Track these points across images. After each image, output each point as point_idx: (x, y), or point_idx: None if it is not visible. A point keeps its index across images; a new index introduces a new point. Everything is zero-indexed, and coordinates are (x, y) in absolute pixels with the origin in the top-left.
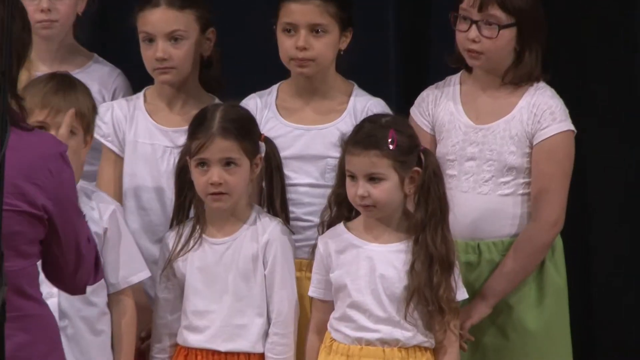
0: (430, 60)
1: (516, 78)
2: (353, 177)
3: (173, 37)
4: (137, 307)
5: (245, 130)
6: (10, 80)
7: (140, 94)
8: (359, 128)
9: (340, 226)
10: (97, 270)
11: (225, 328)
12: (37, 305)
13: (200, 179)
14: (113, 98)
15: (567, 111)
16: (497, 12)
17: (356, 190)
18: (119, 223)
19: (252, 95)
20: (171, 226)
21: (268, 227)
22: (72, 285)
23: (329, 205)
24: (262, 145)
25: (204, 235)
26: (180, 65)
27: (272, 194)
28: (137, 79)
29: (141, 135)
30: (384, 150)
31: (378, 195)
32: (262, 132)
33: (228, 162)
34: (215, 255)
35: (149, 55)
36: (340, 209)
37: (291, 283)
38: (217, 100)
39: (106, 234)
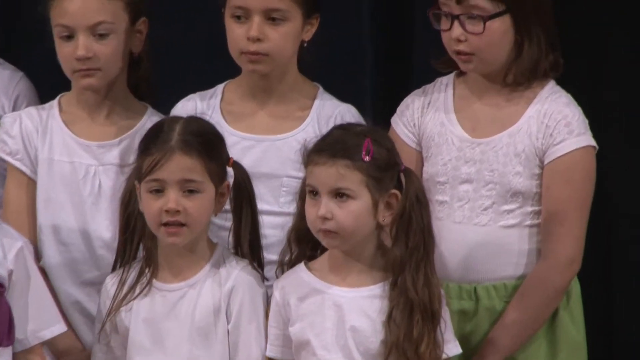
0: (414, 56)
1: (519, 76)
2: (315, 193)
3: (97, 32)
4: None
5: (212, 148)
6: None
7: (54, 102)
8: (326, 135)
9: (301, 266)
10: (10, 327)
11: None
12: None
13: (152, 206)
14: (14, 108)
15: (586, 122)
16: (479, 2)
17: (317, 211)
18: (27, 264)
19: (191, 96)
20: (114, 269)
21: (234, 271)
22: None
23: (288, 244)
24: (230, 170)
25: (154, 280)
26: (106, 65)
27: (241, 233)
28: (45, 84)
29: (57, 151)
30: (356, 162)
31: (343, 218)
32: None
33: (189, 186)
34: (166, 304)
35: (68, 53)
36: (302, 248)
37: (259, 341)
38: (150, 108)
39: (12, 278)
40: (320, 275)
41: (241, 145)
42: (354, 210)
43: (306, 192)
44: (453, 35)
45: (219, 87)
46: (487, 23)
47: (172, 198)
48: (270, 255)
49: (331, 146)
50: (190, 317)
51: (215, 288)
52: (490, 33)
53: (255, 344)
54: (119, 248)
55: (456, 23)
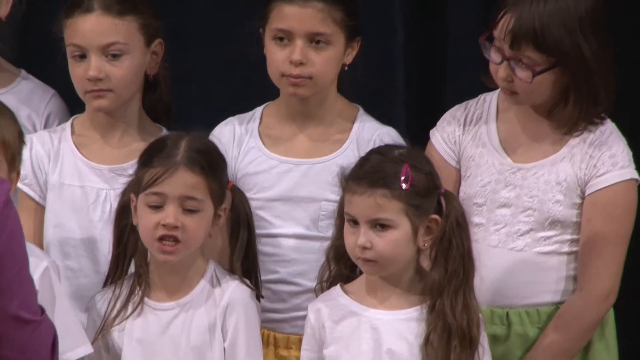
0: (447, 75)
1: (558, 122)
2: (354, 221)
3: (110, 52)
4: None
5: (215, 168)
6: None
7: (67, 124)
8: (364, 161)
9: (337, 289)
10: (53, 352)
11: None
12: None
13: (149, 219)
14: (46, 126)
15: (630, 155)
16: (532, 54)
17: (356, 239)
18: (52, 284)
19: (230, 119)
20: (105, 284)
21: (228, 288)
22: None
23: (327, 262)
24: (229, 194)
25: (146, 299)
26: (119, 87)
27: (234, 256)
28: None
29: (68, 175)
30: (395, 190)
31: (383, 247)
32: (238, 168)
33: (189, 204)
34: (160, 324)
35: (80, 73)
36: (340, 267)
37: (259, 359)
38: (165, 131)
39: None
40: (357, 298)
41: (279, 169)
42: (393, 239)
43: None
44: (500, 74)
45: (258, 110)
46: (538, 76)
47: (172, 213)
48: (309, 282)
49: (369, 175)
50: (186, 337)
51: (210, 306)
52: (537, 83)
53: None
54: (111, 263)
55: (505, 64)
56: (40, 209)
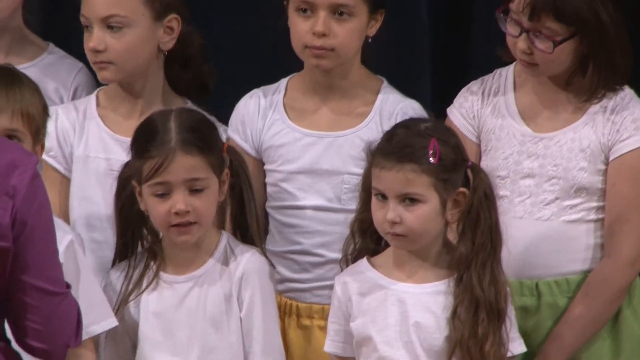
0: (471, 53)
1: (577, 91)
2: (382, 196)
3: (110, 24)
4: None
5: (209, 140)
6: None
7: (92, 97)
8: (390, 135)
9: (363, 262)
10: (78, 327)
11: None
12: None
13: (159, 208)
14: (74, 99)
15: None
16: (552, 25)
17: (385, 214)
18: (77, 258)
19: (255, 91)
20: (113, 264)
21: (243, 259)
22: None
23: (351, 235)
24: (226, 157)
25: (161, 273)
26: (120, 60)
27: (246, 220)
28: None
29: (93, 148)
30: (424, 165)
31: (412, 222)
32: (263, 140)
33: (195, 185)
34: (175, 296)
35: (86, 44)
36: (365, 240)
37: (275, 328)
38: (189, 104)
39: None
40: (384, 271)
41: (303, 142)
42: (423, 213)
43: (372, 193)
44: (519, 46)
45: (283, 82)
46: (558, 46)
47: (180, 199)
48: (331, 253)
49: (397, 150)
50: (202, 308)
51: (225, 277)
52: (557, 53)
53: (272, 331)
54: (119, 249)
55: (524, 36)
56: (65, 181)
